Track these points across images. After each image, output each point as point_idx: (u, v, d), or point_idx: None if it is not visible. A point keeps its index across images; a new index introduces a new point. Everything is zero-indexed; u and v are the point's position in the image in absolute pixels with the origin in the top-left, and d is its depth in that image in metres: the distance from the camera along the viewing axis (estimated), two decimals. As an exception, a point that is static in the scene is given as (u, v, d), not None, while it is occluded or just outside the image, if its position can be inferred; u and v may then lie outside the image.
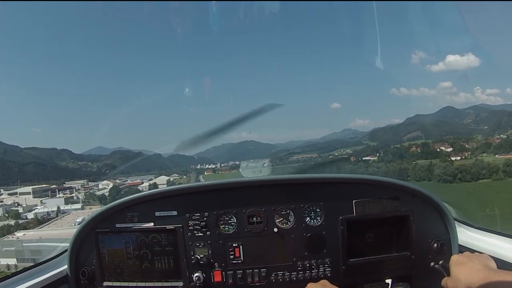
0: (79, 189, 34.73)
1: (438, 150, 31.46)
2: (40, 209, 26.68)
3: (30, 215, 25.63)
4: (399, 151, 34.56)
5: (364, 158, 34.96)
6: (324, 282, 1.41)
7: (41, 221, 23.47)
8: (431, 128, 38.91)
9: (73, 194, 32.11)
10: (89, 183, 35.93)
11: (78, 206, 27.53)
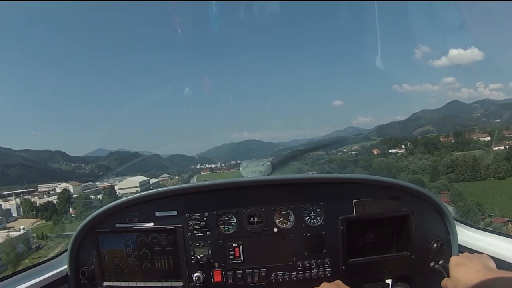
0: (26, 196, 30.27)
1: (475, 139, 29.00)
2: None
3: None
4: (430, 141, 32.40)
5: (390, 151, 33.81)
6: (338, 282, 1.39)
7: None
8: (441, 122, 38.29)
9: (13, 203, 28.68)
10: (60, 185, 32.06)
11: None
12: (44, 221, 28.63)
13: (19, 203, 29.45)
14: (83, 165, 39.22)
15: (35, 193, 31.78)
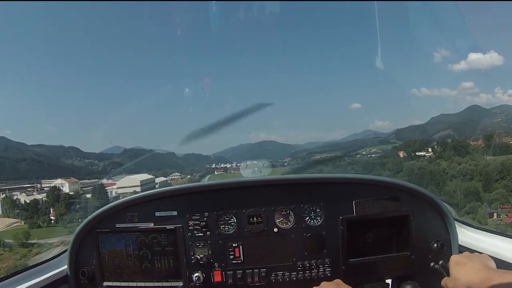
0: (15, 192, 26.75)
1: (507, 143, 27.35)
2: None
3: None
4: (460, 144, 30.65)
5: (417, 154, 32.66)
6: (338, 281, 1.39)
7: None
8: (462, 126, 37.71)
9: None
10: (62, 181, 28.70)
11: None
12: (23, 222, 25.67)
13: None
14: (96, 161, 37.95)
15: (29, 189, 28.81)
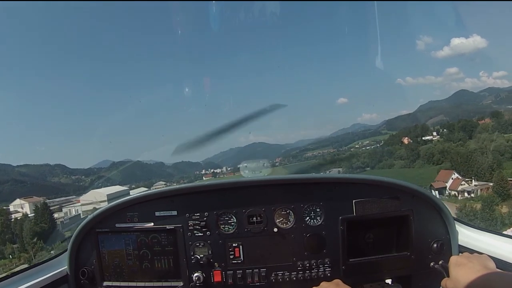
0: None
1: None
2: None
3: None
4: (469, 124, 30.36)
5: (424, 138, 32.42)
6: (337, 281, 1.40)
7: None
8: (454, 111, 38.08)
9: None
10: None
11: None
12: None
13: None
14: (83, 177, 38.03)
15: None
